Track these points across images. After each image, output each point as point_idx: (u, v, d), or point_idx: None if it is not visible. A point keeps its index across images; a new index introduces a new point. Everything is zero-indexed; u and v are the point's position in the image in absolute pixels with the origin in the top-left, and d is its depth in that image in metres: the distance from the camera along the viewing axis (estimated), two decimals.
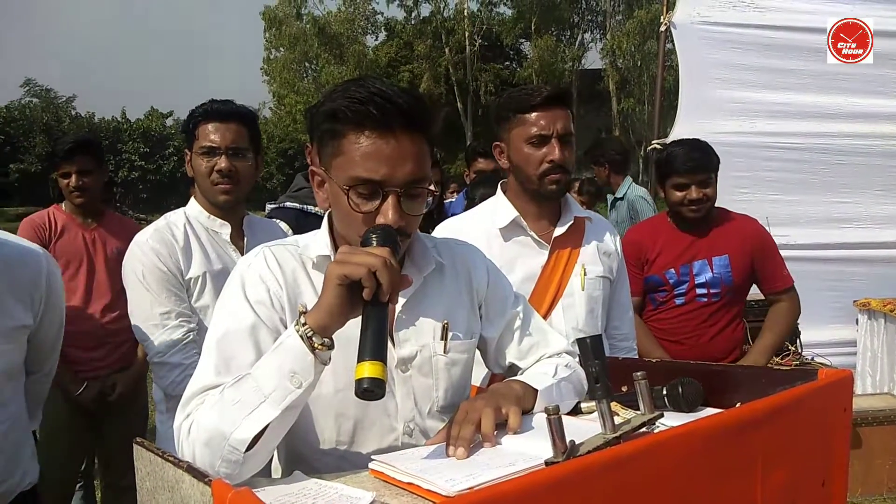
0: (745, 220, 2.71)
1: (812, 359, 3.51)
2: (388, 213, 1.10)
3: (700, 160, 2.68)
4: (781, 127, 4.65)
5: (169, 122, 47.70)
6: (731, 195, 4.45)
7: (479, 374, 1.57)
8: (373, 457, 1.03)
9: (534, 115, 1.82)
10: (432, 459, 1.02)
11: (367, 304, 1.00)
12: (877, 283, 4.48)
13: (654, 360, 1.40)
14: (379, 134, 1.10)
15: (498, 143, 1.92)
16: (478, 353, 1.42)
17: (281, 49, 34.98)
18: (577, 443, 0.87)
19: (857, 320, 4.50)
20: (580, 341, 0.97)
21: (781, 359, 3.39)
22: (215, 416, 1.01)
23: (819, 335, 4.28)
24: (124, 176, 41.51)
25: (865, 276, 4.56)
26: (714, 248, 2.64)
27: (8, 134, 39.21)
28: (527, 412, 1.18)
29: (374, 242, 1.05)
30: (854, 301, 4.47)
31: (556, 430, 0.86)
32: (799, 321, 3.05)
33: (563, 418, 1.19)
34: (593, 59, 36.68)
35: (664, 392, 1.23)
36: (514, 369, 1.39)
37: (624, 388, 1.32)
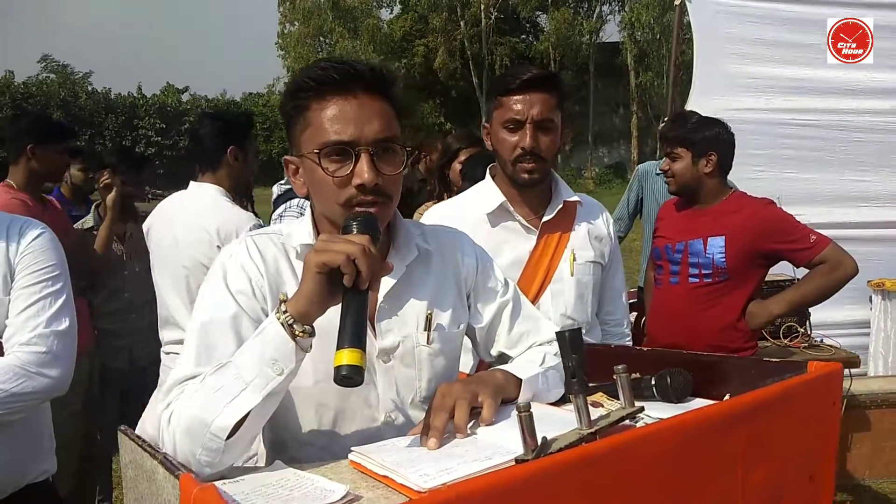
0: (753, 204, 2.61)
1: (821, 340, 3.45)
2: (363, 173, 1.11)
3: (668, 132, 2.68)
4: (798, 103, 4.56)
5: (185, 97, 47.81)
6: (745, 173, 4.38)
7: (467, 361, 1.56)
8: (352, 448, 1.03)
9: (512, 98, 1.76)
10: (411, 450, 1.01)
11: (346, 292, 1.00)
12: (892, 263, 4.41)
13: (645, 350, 1.38)
14: (341, 97, 1.12)
15: (486, 124, 1.89)
16: (468, 340, 1.41)
17: (295, 23, 34.80)
18: (549, 439, 0.85)
19: (870, 300, 4.44)
20: (559, 335, 0.95)
21: (790, 340, 3.35)
22: (196, 404, 1.01)
23: (832, 316, 4.21)
24: (141, 151, 41.72)
25: (880, 255, 4.47)
26: (712, 229, 2.57)
27: (26, 110, 39.47)
28: (511, 401, 1.17)
29: (355, 230, 1.05)
30: (868, 281, 4.40)
31: (527, 428, 0.84)
32: None
33: (548, 409, 1.19)
34: (611, 32, 36.12)
35: (653, 382, 1.22)
36: (504, 358, 1.37)
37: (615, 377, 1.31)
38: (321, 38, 35.21)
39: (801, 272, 2.68)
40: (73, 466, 2.88)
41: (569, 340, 0.92)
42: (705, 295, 2.57)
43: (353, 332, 0.96)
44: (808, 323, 3.43)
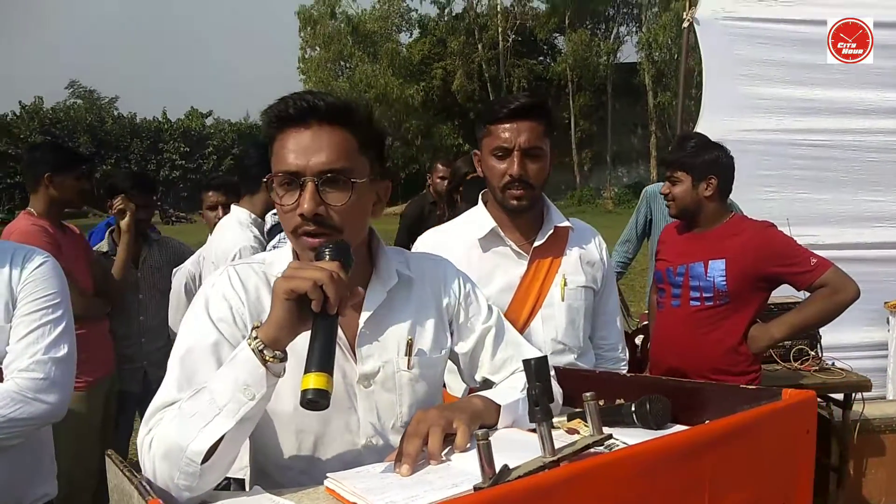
0: (753, 227, 2.60)
1: (833, 363, 3.40)
2: (303, 202, 1.14)
3: (668, 156, 2.67)
4: (810, 124, 4.53)
5: (209, 121, 48.72)
6: (756, 194, 4.37)
7: (459, 387, 1.57)
8: (328, 474, 1.04)
9: (500, 126, 1.79)
10: (384, 477, 1.02)
11: (316, 317, 1.02)
12: None
13: (628, 376, 1.38)
14: (296, 129, 1.17)
15: (476, 151, 1.92)
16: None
17: (316, 48, 35.39)
18: (511, 467, 0.86)
19: (888, 321, 4.37)
20: (525, 363, 0.96)
21: (801, 364, 3.30)
22: (173, 429, 1.03)
23: (849, 338, 4.16)
24: (165, 175, 42.58)
25: None
26: (713, 252, 2.56)
27: (54, 135, 40.48)
28: (490, 427, 1.18)
29: (327, 256, 1.08)
30: (885, 302, 4.34)
31: (485, 455, 0.85)
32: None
33: (528, 435, 1.20)
34: (629, 53, 36.26)
35: (633, 409, 1.22)
36: (488, 383, 1.38)
37: (601, 402, 1.31)
38: (341, 63, 35.77)
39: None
40: (92, 485, 2.92)
41: (534, 368, 0.94)
42: (706, 318, 2.56)
43: (321, 357, 0.98)
44: (818, 346, 3.39)
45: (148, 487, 0.92)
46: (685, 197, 2.62)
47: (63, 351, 1.57)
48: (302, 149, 1.15)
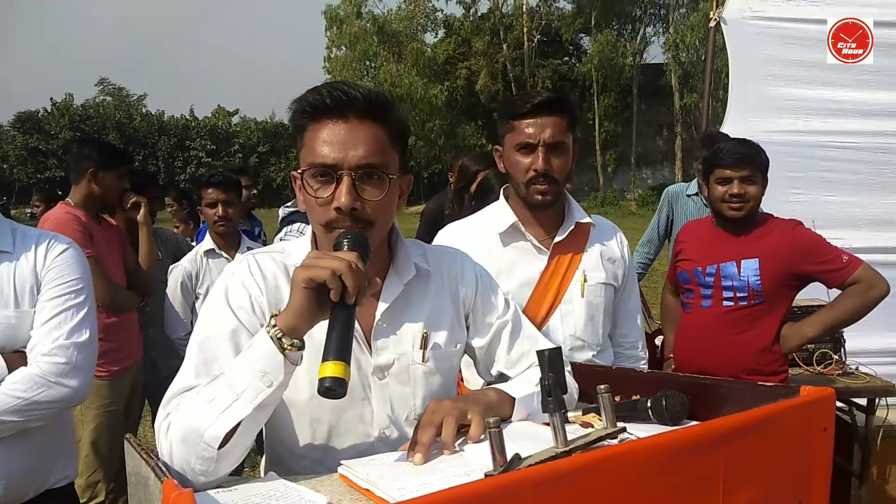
0: (784, 225, 2.57)
1: (857, 368, 3.35)
2: (340, 196, 1.13)
3: (746, 154, 2.56)
4: (839, 125, 4.46)
5: (235, 119, 49.20)
6: (783, 196, 4.31)
7: (479, 380, 1.56)
8: (341, 461, 1.05)
9: (523, 122, 1.78)
10: (396, 465, 1.03)
11: (334, 307, 1.03)
12: None
13: (645, 371, 1.37)
14: (333, 121, 1.16)
15: (497, 147, 1.91)
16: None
17: (342, 47, 35.56)
18: (523, 456, 0.86)
19: None
20: (539, 353, 0.96)
21: (824, 368, 3.25)
22: (191, 414, 1.05)
23: (875, 343, 4.07)
24: (192, 172, 43.08)
25: None
26: (745, 251, 2.53)
27: (83, 131, 41.16)
28: (505, 420, 1.18)
29: (345, 247, 1.08)
30: None
31: (496, 444, 0.85)
32: (850, 329, 2.92)
33: (542, 428, 1.20)
34: (655, 54, 35.95)
35: (648, 405, 1.21)
36: (504, 378, 1.38)
37: (617, 398, 1.31)
38: (366, 62, 35.89)
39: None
40: (112, 471, 2.98)
41: (548, 359, 0.94)
42: (740, 318, 2.54)
43: (338, 346, 0.98)
44: (842, 350, 3.33)
45: (164, 469, 0.94)
46: (758, 196, 2.55)
47: (85, 336, 1.60)
48: (339, 142, 1.14)
